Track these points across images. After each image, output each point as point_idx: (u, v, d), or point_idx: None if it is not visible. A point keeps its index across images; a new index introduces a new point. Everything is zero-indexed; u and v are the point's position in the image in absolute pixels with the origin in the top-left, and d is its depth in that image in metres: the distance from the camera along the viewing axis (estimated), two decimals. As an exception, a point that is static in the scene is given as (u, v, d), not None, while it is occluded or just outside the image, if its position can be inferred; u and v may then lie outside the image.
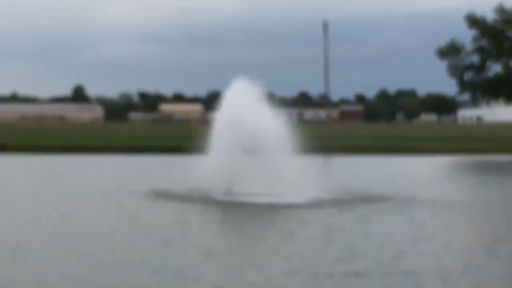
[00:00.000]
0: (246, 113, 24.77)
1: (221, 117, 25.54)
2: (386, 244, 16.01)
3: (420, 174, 36.79)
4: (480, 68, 75.56)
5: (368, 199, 24.20)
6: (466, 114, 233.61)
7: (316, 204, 22.55)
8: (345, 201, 23.45)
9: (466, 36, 77.11)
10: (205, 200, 23.31)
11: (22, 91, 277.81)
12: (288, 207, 22.19)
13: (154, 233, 17.39)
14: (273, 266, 13.77)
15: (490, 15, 75.66)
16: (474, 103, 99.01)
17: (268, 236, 17.27)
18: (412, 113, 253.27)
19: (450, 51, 75.48)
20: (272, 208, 21.94)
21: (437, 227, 18.85)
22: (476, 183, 33.03)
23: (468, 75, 75.77)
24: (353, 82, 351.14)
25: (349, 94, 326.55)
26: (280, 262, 14.14)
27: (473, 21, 75.07)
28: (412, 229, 18.32)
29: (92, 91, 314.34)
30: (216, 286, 12.23)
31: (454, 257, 14.93)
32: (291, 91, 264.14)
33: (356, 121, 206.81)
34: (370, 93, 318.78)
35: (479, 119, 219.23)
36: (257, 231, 18.24)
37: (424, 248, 15.69)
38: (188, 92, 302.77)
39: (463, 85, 75.85)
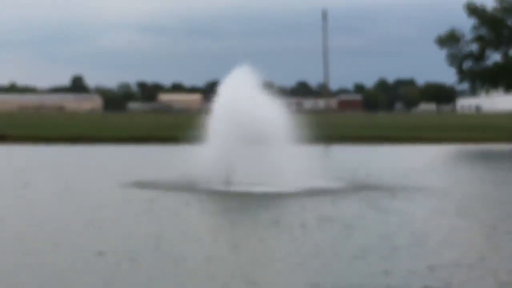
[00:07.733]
0: (245, 103, 24.71)
1: (220, 106, 25.46)
2: (370, 225, 16.10)
3: (420, 163, 36.73)
4: (479, 57, 75.41)
5: (368, 187, 24.24)
6: (465, 103, 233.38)
7: (313, 193, 22.60)
8: (343, 190, 23.51)
9: (466, 25, 77.03)
10: (204, 190, 23.30)
11: (21, 81, 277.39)
12: (286, 196, 22.21)
13: (151, 224, 17.45)
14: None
15: (489, 4, 75.59)
16: (473, 92, 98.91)
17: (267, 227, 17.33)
18: (411, 103, 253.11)
19: (449, 40, 75.27)
20: (270, 197, 21.96)
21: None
22: (476, 171, 33.10)
23: (467, 64, 75.62)
24: (352, 72, 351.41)
25: (348, 84, 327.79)
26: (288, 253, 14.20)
27: (473, 9, 74.86)
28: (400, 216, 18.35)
29: (91, 81, 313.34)
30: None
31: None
32: (290, 81, 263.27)
33: (355, 111, 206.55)
34: (369, 82, 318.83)
35: (478, 108, 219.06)
36: (258, 222, 18.25)
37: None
38: (187, 82, 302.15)
39: (462, 74, 75.70)
